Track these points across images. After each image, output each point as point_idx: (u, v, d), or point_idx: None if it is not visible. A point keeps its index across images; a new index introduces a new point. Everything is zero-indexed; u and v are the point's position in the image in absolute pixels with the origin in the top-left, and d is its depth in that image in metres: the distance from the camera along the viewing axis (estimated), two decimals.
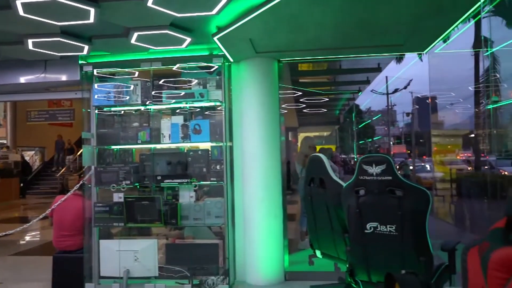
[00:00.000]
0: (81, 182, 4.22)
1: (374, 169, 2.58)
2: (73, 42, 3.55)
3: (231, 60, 4.10)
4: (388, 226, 2.53)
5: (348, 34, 3.58)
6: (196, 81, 4.18)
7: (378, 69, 8.93)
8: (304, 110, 11.12)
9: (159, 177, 4.05)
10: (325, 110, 12.57)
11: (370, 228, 2.61)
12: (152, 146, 4.23)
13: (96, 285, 4.03)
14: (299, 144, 15.77)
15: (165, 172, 4.10)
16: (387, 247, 2.56)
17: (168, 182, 4.05)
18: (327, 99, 11.71)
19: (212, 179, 4.05)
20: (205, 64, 4.09)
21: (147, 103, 4.16)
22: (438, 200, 12.90)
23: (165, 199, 4.11)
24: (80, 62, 4.22)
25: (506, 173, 11.44)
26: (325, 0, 2.92)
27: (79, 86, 4.39)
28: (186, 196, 4.08)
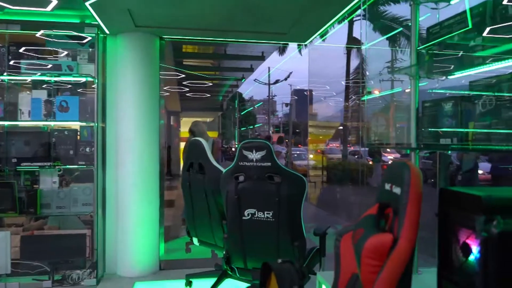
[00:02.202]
0: None
1: (254, 155, 2.55)
2: None
3: (107, 32, 3.70)
4: (265, 212, 2.52)
5: (232, 16, 3.49)
6: (65, 52, 3.70)
7: (262, 58, 9.10)
8: (187, 94, 10.85)
9: (14, 160, 3.51)
10: (208, 95, 12.47)
11: (248, 214, 2.57)
12: (6, 123, 3.63)
13: None
14: (182, 129, 15.46)
15: (22, 154, 3.56)
16: (263, 234, 2.56)
17: (26, 166, 3.53)
18: (211, 84, 11.61)
19: (80, 162, 3.64)
20: (76, 33, 3.63)
21: (4, 73, 3.55)
22: (310, 186, 13.90)
23: (21, 185, 3.59)
24: None
25: (371, 162, 12.88)
26: None
27: None
28: (48, 182, 3.61)
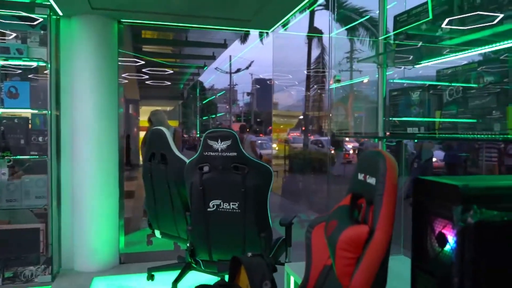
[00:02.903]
0: None
1: (219, 145, 2.47)
2: None
3: (60, 13, 3.47)
4: (231, 203, 2.46)
5: (196, 1, 3.37)
6: (14, 34, 3.44)
7: (224, 45, 8.94)
8: (147, 82, 10.53)
9: None
10: (169, 83, 12.17)
11: (213, 206, 2.51)
12: None
13: None
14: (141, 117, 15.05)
15: None
16: (229, 225, 2.50)
17: None
18: (171, 72, 11.31)
19: (32, 153, 3.43)
20: (25, 14, 3.38)
21: None
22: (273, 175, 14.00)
23: None
24: None
25: (333, 151, 13.13)
26: None
27: None
28: None
